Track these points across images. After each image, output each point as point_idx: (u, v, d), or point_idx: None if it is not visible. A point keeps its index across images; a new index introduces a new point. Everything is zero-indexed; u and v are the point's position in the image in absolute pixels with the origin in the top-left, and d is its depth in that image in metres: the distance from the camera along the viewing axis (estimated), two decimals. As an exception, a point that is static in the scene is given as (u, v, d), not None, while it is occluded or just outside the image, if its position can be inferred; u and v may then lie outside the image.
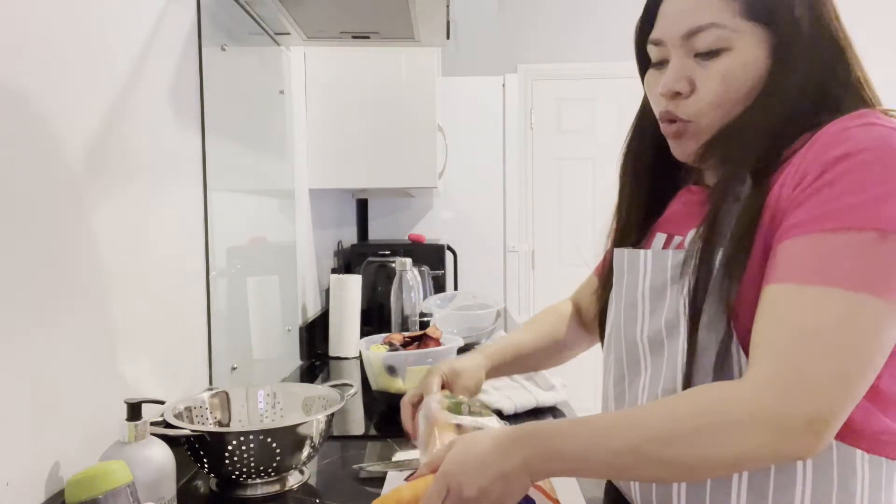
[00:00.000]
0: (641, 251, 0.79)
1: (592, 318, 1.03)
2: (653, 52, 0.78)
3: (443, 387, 0.93)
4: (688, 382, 0.70)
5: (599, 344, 0.97)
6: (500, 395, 1.35)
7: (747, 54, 0.71)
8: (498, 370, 1.01)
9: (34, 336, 0.73)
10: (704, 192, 0.77)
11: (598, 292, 0.95)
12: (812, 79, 0.70)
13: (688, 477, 0.66)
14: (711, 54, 0.71)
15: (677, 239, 0.79)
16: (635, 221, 0.87)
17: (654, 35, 0.76)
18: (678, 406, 0.63)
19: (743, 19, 0.70)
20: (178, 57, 1.09)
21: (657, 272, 0.76)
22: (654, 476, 0.66)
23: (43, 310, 0.75)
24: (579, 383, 2.48)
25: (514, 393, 1.37)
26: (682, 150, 0.77)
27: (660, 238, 0.83)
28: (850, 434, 0.66)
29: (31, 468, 0.73)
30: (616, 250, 0.85)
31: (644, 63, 0.81)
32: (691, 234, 0.74)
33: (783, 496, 0.67)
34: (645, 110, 0.86)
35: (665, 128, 0.77)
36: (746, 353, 0.67)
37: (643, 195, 0.86)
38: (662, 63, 0.76)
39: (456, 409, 0.85)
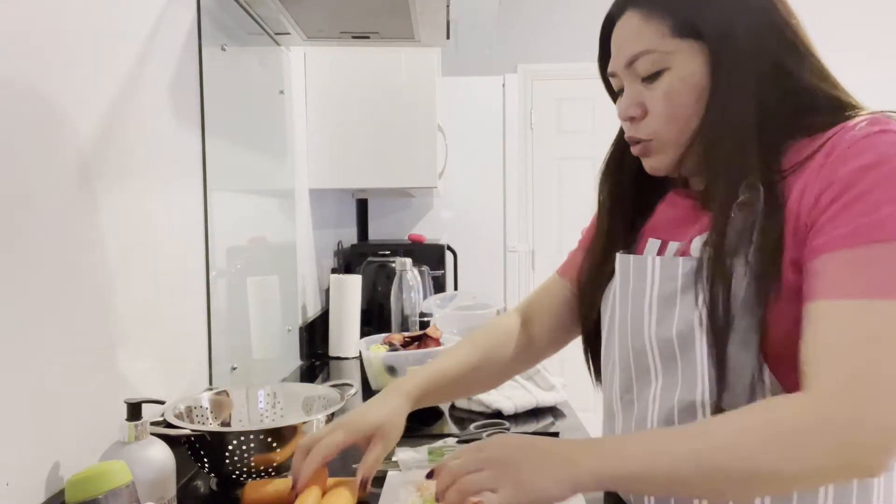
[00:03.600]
0: (649, 257, 0.79)
1: (547, 329, 1.00)
2: (612, 83, 0.83)
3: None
4: (719, 401, 0.69)
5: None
6: (499, 395, 1.35)
7: (684, 70, 0.74)
8: (421, 403, 0.93)
9: (34, 336, 0.73)
10: (692, 196, 0.80)
11: (579, 297, 0.93)
12: (763, 79, 0.71)
13: (749, 492, 0.64)
14: (653, 77, 0.76)
15: (673, 245, 0.79)
16: (621, 227, 0.88)
17: (608, 69, 0.82)
18: (743, 418, 0.62)
19: (674, 39, 0.74)
20: (178, 57, 1.09)
21: (666, 280, 0.75)
22: (714, 489, 0.63)
23: (43, 309, 0.75)
24: (579, 383, 2.48)
25: (514, 393, 1.37)
26: (651, 166, 0.81)
27: (653, 244, 0.82)
28: None
29: (31, 468, 0.73)
30: (620, 256, 0.84)
31: (613, 92, 0.86)
32: (697, 241, 0.74)
33: (806, 496, 0.68)
34: (621, 131, 0.89)
35: (633, 149, 0.82)
36: (774, 371, 0.68)
37: (626, 204, 0.88)
38: (622, 91, 0.81)
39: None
